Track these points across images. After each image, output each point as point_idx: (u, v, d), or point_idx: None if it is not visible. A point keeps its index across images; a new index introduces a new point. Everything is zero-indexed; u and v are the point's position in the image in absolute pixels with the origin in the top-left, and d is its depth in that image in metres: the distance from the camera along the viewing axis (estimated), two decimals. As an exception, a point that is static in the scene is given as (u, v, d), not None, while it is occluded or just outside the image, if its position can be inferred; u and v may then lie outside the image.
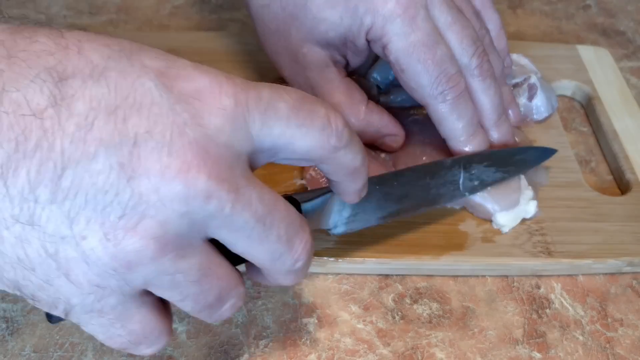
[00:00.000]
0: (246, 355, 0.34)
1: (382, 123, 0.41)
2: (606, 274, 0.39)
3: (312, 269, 0.36)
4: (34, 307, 0.35)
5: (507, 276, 0.38)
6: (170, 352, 0.33)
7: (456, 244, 0.38)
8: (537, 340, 0.35)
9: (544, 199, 0.41)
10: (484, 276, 0.38)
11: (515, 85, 0.47)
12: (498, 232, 0.39)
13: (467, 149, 0.39)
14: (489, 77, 0.40)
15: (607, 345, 0.35)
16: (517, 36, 0.58)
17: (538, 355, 0.34)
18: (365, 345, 0.34)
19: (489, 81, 0.40)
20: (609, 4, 0.64)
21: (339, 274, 0.37)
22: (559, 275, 0.38)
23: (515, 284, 0.38)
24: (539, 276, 0.38)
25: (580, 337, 0.35)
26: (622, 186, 0.44)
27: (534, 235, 0.39)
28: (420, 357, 0.34)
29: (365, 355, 0.34)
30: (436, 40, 0.37)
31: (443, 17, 0.38)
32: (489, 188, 0.39)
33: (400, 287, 0.37)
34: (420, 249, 0.37)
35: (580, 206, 0.41)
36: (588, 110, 0.50)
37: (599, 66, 0.52)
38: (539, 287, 0.38)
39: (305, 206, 0.30)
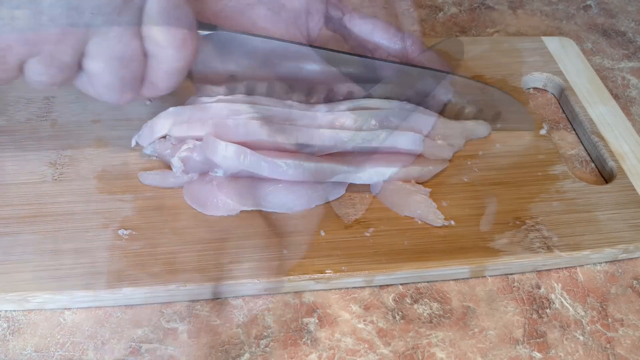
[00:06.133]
0: (247, 355, 0.34)
1: None
2: (606, 271, 0.39)
3: (317, 286, 0.36)
4: (35, 307, 0.35)
5: (507, 276, 0.38)
6: (172, 352, 0.34)
7: (457, 248, 0.38)
8: (538, 340, 0.35)
9: (533, 194, 0.41)
10: (484, 276, 0.38)
11: None
12: (496, 232, 0.39)
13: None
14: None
15: (608, 346, 0.35)
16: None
17: (538, 355, 0.34)
18: (366, 345, 0.34)
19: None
20: (609, 4, 0.64)
21: (345, 288, 0.37)
22: (559, 275, 0.38)
23: (515, 284, 0.38)
24: (539, 275, 0.38)
25: (581, 337, 0.35)
26: (606, 174, 0.44)
27: (531, 232, 0.39)
28: (420, 357, 0.34)
29: (365, 355, 0.34)
30: None
31: None
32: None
33: (400, 287, 0.37)
34: (424, 256, 0.37)
35: (569, 198, 0.41)
36: (562, 101, 0.50)
37: (566, 56, 0.53)
38: (539, 287, 0.38)
39: None
